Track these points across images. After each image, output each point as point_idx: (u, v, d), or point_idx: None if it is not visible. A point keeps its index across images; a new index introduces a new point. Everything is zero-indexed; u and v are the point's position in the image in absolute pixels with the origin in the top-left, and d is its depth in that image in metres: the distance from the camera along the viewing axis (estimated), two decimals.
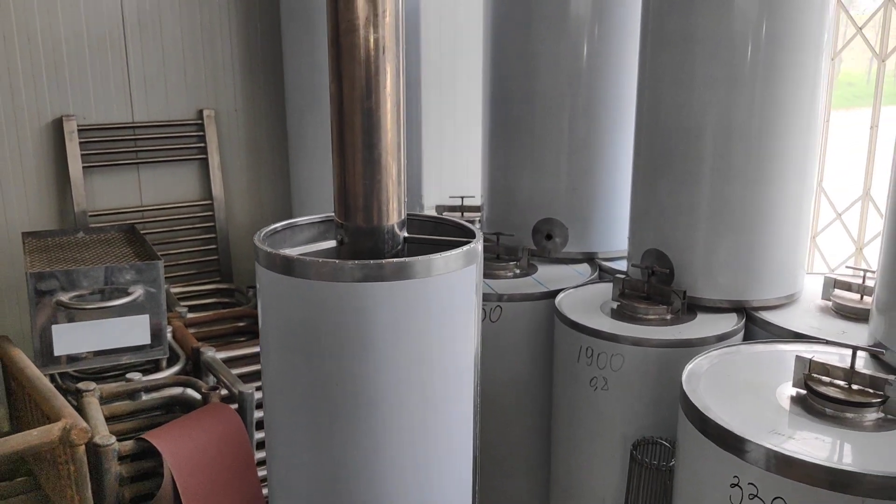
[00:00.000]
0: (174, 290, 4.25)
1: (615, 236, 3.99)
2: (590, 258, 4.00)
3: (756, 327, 3.17)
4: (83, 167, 4.15)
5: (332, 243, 2.03)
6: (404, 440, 1.89)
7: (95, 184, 4.26)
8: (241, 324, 4.00)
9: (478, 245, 1.94)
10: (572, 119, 3.86)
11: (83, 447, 2.42)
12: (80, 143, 4.13)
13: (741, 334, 3.11)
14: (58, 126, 4.11)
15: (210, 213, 4.51)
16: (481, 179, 4.35)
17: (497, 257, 3.96)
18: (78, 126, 4.13)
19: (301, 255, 1.86)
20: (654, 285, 3.28)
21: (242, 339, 3.95)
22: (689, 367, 2.68)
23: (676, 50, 3.12)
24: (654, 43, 3.23)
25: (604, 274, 3.90)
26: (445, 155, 5.39)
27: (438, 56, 5.20)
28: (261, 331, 2.02)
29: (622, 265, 3.84)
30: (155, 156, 4.37)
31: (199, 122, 4.44)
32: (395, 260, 1.77)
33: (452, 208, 4.95)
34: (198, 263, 4.51)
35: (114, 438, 2.58)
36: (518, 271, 3.89)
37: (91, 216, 4.22)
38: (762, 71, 2.98)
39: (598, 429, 3.17)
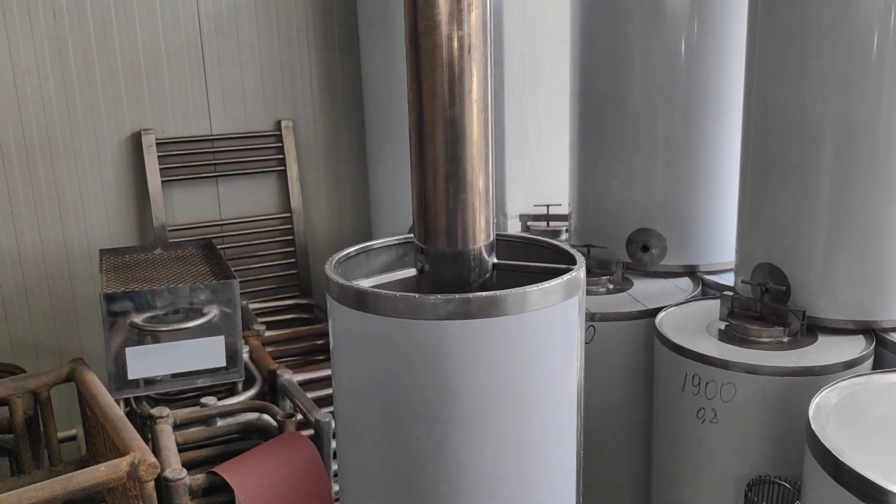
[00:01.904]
0: (252, 306, 4.15)
1: (718, 247, 3.66)
2: (691, 272, 3.68)
3: (887, 351, 2.81)
4: (162, 181, 4.09)
5: (412, 271, 1.81)
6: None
7: (174, 198, 4.20)
8: (319, 342, 3.85)
9: (580, 273, 1.69)
10: (669, 121, 3.56)
11: (153, 482, 2.28)
12: (159, 156, 4.08)
13: (871, 360, 2.76)
14: (136, 140, 4.07)
15: (289, 226, 4.40)
16: (569, 186, 4.09)
17: (588, 271, 3.68)
18: (156, 140, 4.08)
19: (376, 286, 1.65)
20: (768, 304, 2.95)
21: (321, 357, 3.80)
22: (815, 400, 2.36)
23: (790, 43, 2.79)
24: (765, 36, 2.91)
25: (707, 289, 3.57)
26: (529, 160, 5.14)
27: (522, 54, 4.96)
28: (333, 370, 1.82)
29: (727, 279, 3.51)
30: (233, 168, 4.28)
31: (277, 133, 4.33)
32: (483, 294, 1.53)
33: (537, 217, 4.70)
34: (276, 278, 4.40)
35: (185, 472, 2.44)
36: (612, 287, 3.61)
37: (170, 231, 4.16)
38: (890, 65, 2.63)
39: (706, 465, 2.86)
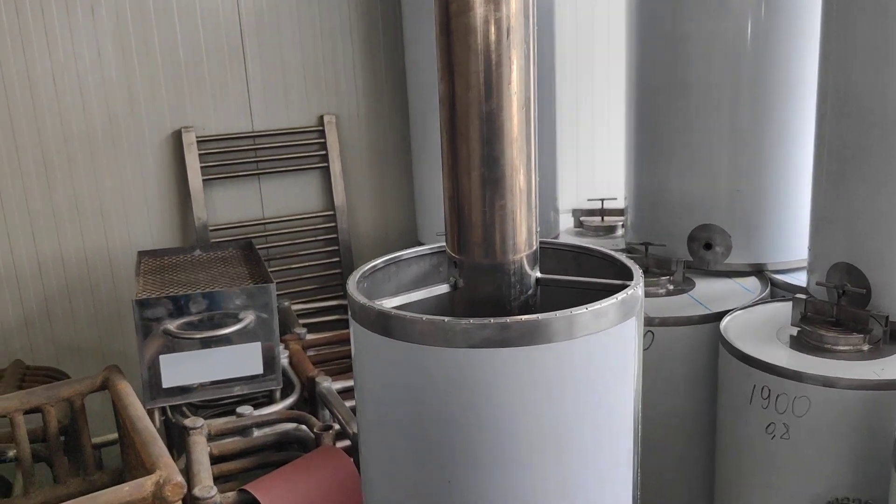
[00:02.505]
0: (295, 307, 4.03)
1: (788, 245, 3.38)
2: (758, 270, 3.42)
3: None
4: (203, 180, 4.00)
5: (444, 287, 1.61)
6: None
7: (216, 196, 4.11)
8: None
9: (637, 289, 1.47)
10: (734, 109, 3.30)
11: (180, 502, 2.17)
12: (200, 154, 3.99)
13: None
14: (177, 139, 3.98)
15: (332, 224, 4.27)
16: (625, 180, 3.85)
17: (646, 271, 3.44)
18: (197, 137, 3.99)
19: (402, 305, 1.46)
20: (846, 308, 2.69)
21: None
22: None
23: (873, 22, 2.52)
24: (843, 13, 2.64)
25: (776, 290, 3.31)
26: (584, 151, 4.90)
27: (575, 38, 4.73)
28: (356, 400, 1.65)
29: (798, 279, 3.24)
30: (275, 165, 4.16)
31: (320, 128, 4.20)
32: (524, 318, 1.33)
33: (591, 212, 4.46)
34: (319, 278, 4.27)
35: (214, 490, 2.32)
36: (672, 287, 3.37)
37: (212, 230, 4.07)
38: None
39: (776, 484, 2.62)
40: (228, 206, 4.15)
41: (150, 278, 3.22)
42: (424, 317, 1.37)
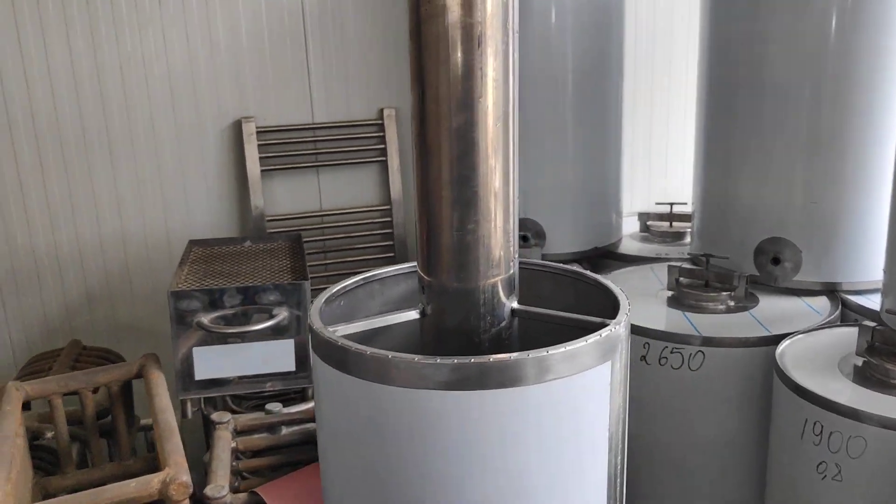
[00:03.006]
0: None
1: (866, 264, 3.11)
2: (829, 290, 3.15)
3: None
4: (261, 170, 4.02)
5: (413, 314, 1.49)
6: None
7: (274, 187, 4.12)
8: None
9: (619, 328, 1.32)
10: (813, 113, 3.05)
11: (187, 501, 2.15)
12: (259, 145, 4.00)
13: None
14: (237, 128, 4.01)
15: (388, 218, 4.21)
16: (693, 184, 3.63)
17: (705, 284, 3.23)
18: (257, 128, 4.00)
19: (370, 329, 1.36)
20: None
21: None
22: None
23: None
24: None
25: (848, 313, 3.04)
26: (656, 151, 4.67)
27: (653, 31, 4.49)
28: (318, 438, 1.55)
29: (875, 301, 2.96)
30: (334, 158, 4.13)
31: (380, 121, 4.14)
32: (489, 359, 1.20)
33: (660, 216, 4.24)
34: None
35: (226, 490, 2.30)
36: (732, 304, 3.15)
37: (269, 220, 4.08)
38: None
39: None
40: (286, 196, 4.16)
41: (195, 267, 3.25)
42: (383, 354, 1.26)
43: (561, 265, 1.74)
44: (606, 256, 3.92)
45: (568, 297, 1.61)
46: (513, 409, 1.21)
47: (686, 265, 3.33)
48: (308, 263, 3.30)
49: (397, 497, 1.28)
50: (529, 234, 3.74)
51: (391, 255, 4.23)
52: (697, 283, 3.25)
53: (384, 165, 4.17)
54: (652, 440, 3.01)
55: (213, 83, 3.95)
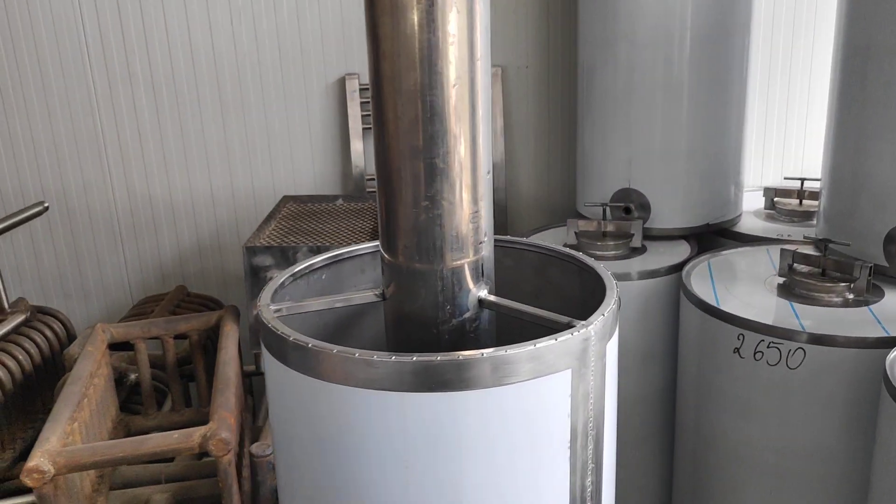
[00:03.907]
0: None
1: None
2: None
3: None
4: (363, 128, 3.98)
5: (369, 294, 1.34)
6: None
7: None
8: None
9: (590, 330, 1.12)
10: None
11: (229, 456, 2.17)
12: (361, 102, 3.96)
13: None
14: (341, 85, 3.98)
15: None
16: (822, 161, 3.22)
17: (822, 273, 2.87)
18: (360, 85, 3.95)
19: (322, 310, 1.24)
20: None
21: None
22: None
23: None
24: None
25: None
26: (791, 122, 4.21)
27: None
28: (270, 426, 1.45)
29: None
30: None
31: None
32: (435, 358, 1.04)
33: (787, 192, 3.83)
34: None
35: (271, 449, 2.30)
36: (850, 297, 2.78)
37: (369, 180, 4.06)
38: None
39: None
40: None
41: (282, 223, 3.27)
42: (327, 348, 1.13)
43: (548, 245, 1.53)
44: (720, 234, 3.59)
45: (573, 286, 1.42)
46: (456, 415, 1.06)
47: (802, 249, 2.97)
48: None
49: (335, 491, 1.18)
50: (633, 205, 3.48)
51: None
52: (814, 270, 2.90)
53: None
54: (739, 439, 2.74)
55: (318, 39, 3.94)
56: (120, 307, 4.26)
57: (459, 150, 1.21)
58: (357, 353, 1.09)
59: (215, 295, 4.07)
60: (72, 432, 2.30)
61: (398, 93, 1.18)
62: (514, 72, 4.00)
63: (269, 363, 1.26)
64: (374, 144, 1.32)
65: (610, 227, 3.44)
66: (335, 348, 1.09)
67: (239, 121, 4.03)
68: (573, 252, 1.47)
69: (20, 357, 3.21)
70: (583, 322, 1.16)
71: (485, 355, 1.07)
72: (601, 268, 1.36)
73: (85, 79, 3.94)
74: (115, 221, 4.17)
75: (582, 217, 3.62)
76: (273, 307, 1.29)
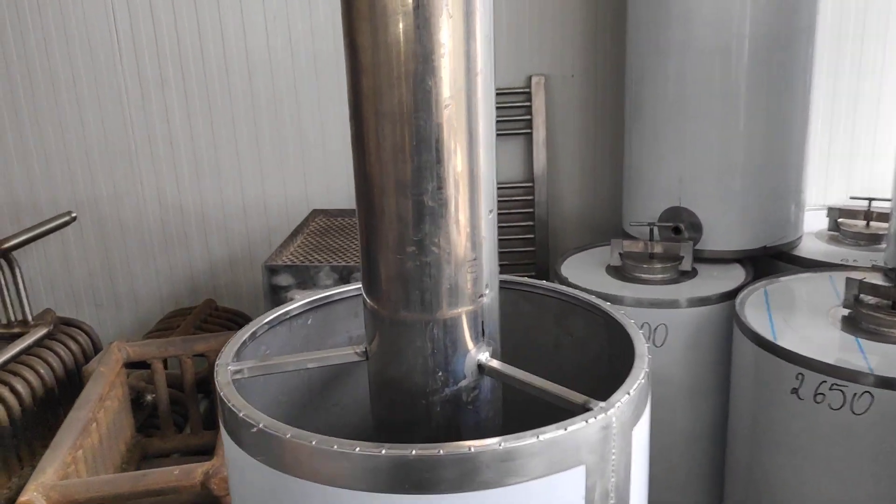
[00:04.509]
0: None
1: None
2: None
3: None
4: None
5: (349, 352, 1.14)
6: None
7: None
8: None
9: (610, 415, 0.90)
10: None
11: (229, 498, 2.01)
12: None
13: None
14: None
15: (530, 196, 3.86)
16: (893, 179, 2.94)
17: (892, 306, 2.60)
18: None
19: (300, 368, 1.06)
20: None
21: None
22: None
23: None
24: None
25: None
26: (861, 133, 3.90)
27: None
28: None
29: None
30: None
31: (527, 90, 3.78)
32: (409, 452, 0.84)
33: (853, 213, 3.54)
34: (511, 255, 3.91)
35: None
36: None
37: None
38: None
39: None
40: None
41: (309, 239, 3.13)
42: (262, 422, 0.93)
43: (569, 291, 1.31)
44: (778, 258, 3.32)
45: (599, 340, 1.21)
46: None
47: (870, 278, 2.69)
48: None
49: None
50: (683, 224, 3.24)
51: (531, 236, 3.89)
52: (883, 302, 2.62)
53: (529, 138, 3.82)
54: (795, 486, 2.48)
55: None
56: (151, 318, 4.17)
57: (453, 184, 1.01)
58: (314, 439, 0.90)
59: (245, 309, 3.95)
60: (74, 461, 2.18)
61: (379, 115, 0.99)
62: (559, 81, 3.79)
63: (225, 439, 1.09)
64: (354, 175, 1.13)
65: (658, 249, 3.20)
66: (289, 431, 0.91)
67: (273, 130, 3.91)
68: (598, 301, 1.26)
69: (41, 371, 3.13)
70: (602, 404, 0.95)
71: (472, 450, 0.87)
72: (631, 325, 1.15)
73: (117, 87, 3.87)
74: (147, 231, 4.09)
75: (628, 236, 3.39)
76: (233, 367, 1.11)
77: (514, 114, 3.81)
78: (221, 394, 1.05)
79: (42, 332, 3.19)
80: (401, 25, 0.94)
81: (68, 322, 3.50)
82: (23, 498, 1.90)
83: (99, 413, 2.45)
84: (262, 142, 3.93)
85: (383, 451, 0.87)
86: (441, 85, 0.97)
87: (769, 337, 2.53)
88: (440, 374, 1.05)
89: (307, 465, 0.92)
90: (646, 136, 3.35)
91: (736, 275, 3.15)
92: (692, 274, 3.18)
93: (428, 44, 0.94)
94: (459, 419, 1.06)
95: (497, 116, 3.57)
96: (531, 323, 1.33)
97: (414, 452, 0.86)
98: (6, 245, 3.05)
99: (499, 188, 3.84)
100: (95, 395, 2.46)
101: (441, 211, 1.00)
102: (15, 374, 2.99)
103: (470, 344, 1.08)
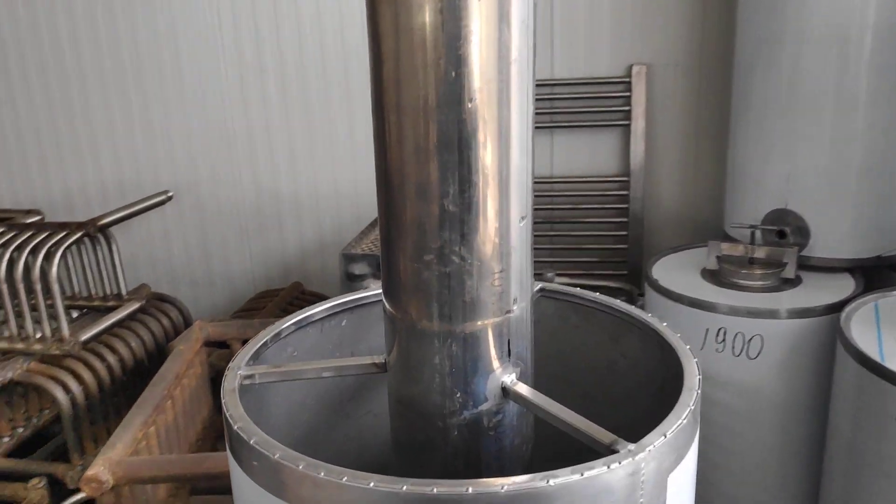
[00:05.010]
0: (566, 281, 3.60)
1: None
2: None
3: None
4: None
5: (368, 361, 1.04)
6: None
7: None
8: None
9: (638, 460, 0.77)
10: None
11: None
12: None
13: None
14: None
15: (625, 191, 3.69)
16: None
17: None
18: None
19: (317, 376, 0.98)
20: None
21: None
22: None
23: None
24: None
25: None
26: None
27: None
28: None
29: None
30: (572, 119, 3.70)
31: (627, 79, 3.60)
32: (401, 487, 0.75)
33: None
34: (602, 251, 3.76)
35: None
36: None
37: None
38: None
39: None
40: None
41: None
42: (253, 440, 0.86)
43: (621, 306, 1.16)
44: (894, 269, 3.03)
45: (653, 362, 1.08)
46: None
47: None
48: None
49: None
50: (788, 228, 3.01)
51: (624, 233, 3.72)
52: None
53: (627, 130, 3.64)
54: None
55: None
56: (243, 297, 4.28)
57: (480, 188, 0.91)
58: (323, 470, 0.82)
59: (331, 294, 3.95)
60: (146, 437, 2.23)
61: (399, 108, 0.91)
62: (661, 70, 3.59)
63: (230, 460, 1.04)
64: (375, 172, 1.06)
65: (759, 253, 2.98)
66: (302, 462, 0.83)
67: (366, 118, 3.89)
68: (652, 321, 1.13)
69: (133, 344, 3.24)
70: (631, 446, 0.82)
71: (470, 490, 0.78)
72: (685, 350, 1.01)
73: (217, 74, 3.96)
74: (243, 214, 4.18)
75: (728, 238, 3.18)
76: (243, 372, 1.05)
77: (611, 104, 3.64)
78: (223, 401, 1.00)
79: (134, 306, 3.31)
80: (423, 7, 0.85)
81: (162, 298, 3.62)
82: (90, 472, 1.95)
83: (175, 391, 2.50)
84: (356, 129, 3.93)
85: (371, 484, 0.78)
86: (468, 75, 0.87)
87: (875, 357, 2.30)
88: (458, 394, 0.95)
89: (319, 500, 0.84)
90: (752, 131, 3.12)
91: (844, 286, 2.89)
92: (795, 282, 2.95)
93: (454, 29, 0.85)
94: (480, 446, 0.97)
95: (593, 107, 3.42)
96: (583, 339, 1.21)
97: (404, 487, 0.77)
98: (103, 221, 3.17)
99: (594, 181, 3.69)
100: (173, 372, 2.51)
101: (463, 217, 0.91)
102: (107, 345, 3.11)
103: (494, 363, 0.97)
